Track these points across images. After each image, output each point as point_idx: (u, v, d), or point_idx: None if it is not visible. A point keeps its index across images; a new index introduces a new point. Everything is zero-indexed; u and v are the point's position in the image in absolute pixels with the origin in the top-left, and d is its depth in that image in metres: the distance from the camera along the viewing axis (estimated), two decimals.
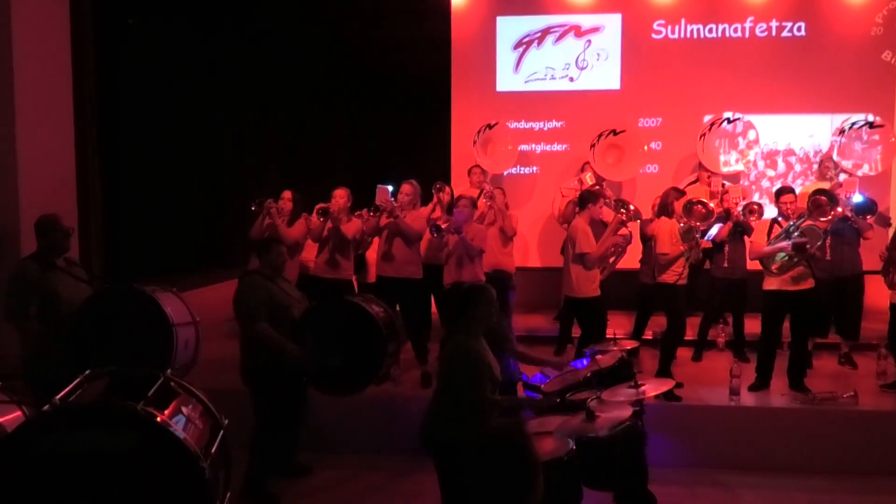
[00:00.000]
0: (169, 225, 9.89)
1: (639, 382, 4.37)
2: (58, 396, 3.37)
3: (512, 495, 2.17)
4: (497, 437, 2.26)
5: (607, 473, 4.01)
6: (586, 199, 6.41)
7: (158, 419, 3.25)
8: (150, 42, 9.43)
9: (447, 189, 7.35)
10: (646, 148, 8.44)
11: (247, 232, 6.87)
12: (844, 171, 7.76)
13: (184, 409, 3.58)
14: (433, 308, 7.23)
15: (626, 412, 4.11)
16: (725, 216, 6.82)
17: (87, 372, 3.72)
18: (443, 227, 6.47)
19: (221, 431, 3.72)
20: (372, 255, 7.52)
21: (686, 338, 6.94)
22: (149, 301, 4.63)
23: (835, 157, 7.83)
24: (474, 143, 8.34)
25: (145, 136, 9.45)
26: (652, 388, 4.43)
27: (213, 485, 3.31)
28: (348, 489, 5.31)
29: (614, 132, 8.22)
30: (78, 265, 4.98)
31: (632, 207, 6.76)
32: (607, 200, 6.97)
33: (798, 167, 8.61)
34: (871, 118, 7.97)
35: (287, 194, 6.89)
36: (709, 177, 7.76)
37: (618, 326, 7.41)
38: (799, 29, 8.58)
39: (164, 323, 4.59)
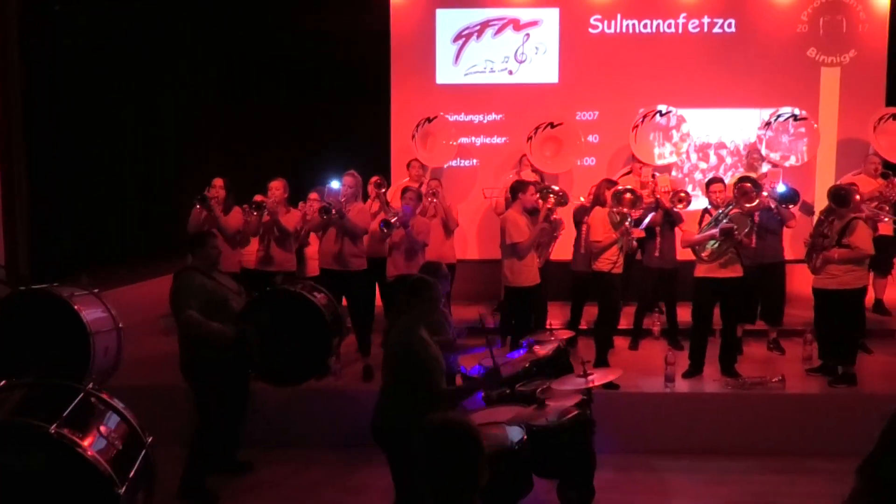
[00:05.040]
0: (101, 219, 9.60)
1: (588, 372, 4.43)
2: None
3: (458, 484, 2.19)
4: (444, 427, 2.27)
5: (556, 462, 4.06)
6: (516, 189, 6.52)
7: (69, 441, 3.14)
8: (79, 29, 9.10)
9: (385, 184, 7.34)
10: (583, 139, 8.56)
11: (182, 225, 6.72)
12: (770, 163, 8.04)
13: (102, 429, 3.45)
14: (377, 300, 7.21)
15: (573, 400, 4.18)
16: (655, 205, 7.02)
17: (3, 382, 3.56)
18: (392, 222, 6.47)
19: (144, 450, 3.62)
20: (310, 249, 7.45)
21: (622, 327, 7.11)
22: (64, 307, 4.49)
23: (762, 149, 8.11)
24: (413, 137, 8.33)
25: (74, 128, 9.12)
26: (600, 377, 4.51)
27: None
28: (291, 485, 5.26)
29: (552, 125, 8.32)
30: None
31: (555, 188, 6.84)
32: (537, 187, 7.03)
33: (729, 160, 8.87)
34: (796, 111, 8.27)
35: (218, 182, 6.72)
36: (640, 167, 7.93)
37: (553, 316, 7.54)
38: (729, 25, 8.82)
39: (81, 331, 4.46)
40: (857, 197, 6.13)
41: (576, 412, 4.05)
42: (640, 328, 7.49)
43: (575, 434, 4.06)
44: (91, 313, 4.60)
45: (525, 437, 3.75)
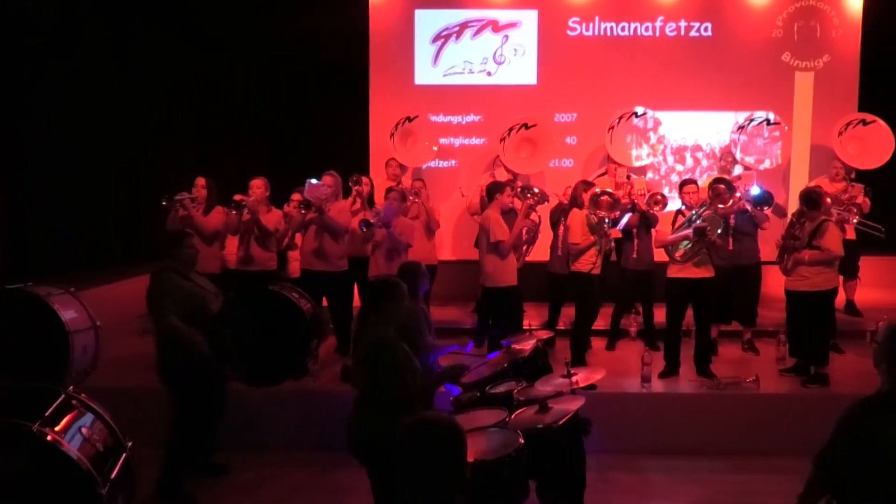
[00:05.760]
0: (79, 218, 9.47)
1: (571, 372, 4.43)
2: None
3: (442, 482, 2.18)
4: (426, 425, 2.27)
5: (551, 464, 3.96)
6: (493, 189, 6.55)
7: (52, 439, 3.12)
8: (53, 26, 8.98)
9: (365, 181, 7.34)
10: (556, 140, 8.60)
11: (160, 225, 6.67)
12: (742, 165, 8.16)
13: (83, 430, 3.44)
14: (356, 301, 7.20)
15: (576, 403, 4.10)
16: (632, 207, 7.09)
17: None
18: (372, 221, 6.47)
19: (124, 454, 3.60)
20: (294, 250, 7.44)
21: (599, 327, 7.16)
22: (42, 306, 4.44)
23: (735, 152, 8.22)
24: (391, 136, 8.33)
25: (51, 126, 9.00)
26: (584, 378, 4.50)
27: None
28: (268, 488, 5.24)
29: (526, 126, 8.36)
30: None
31: (536, 190, 6.91)
32: (515, 189, 7.07)
33: (705, 162, 8.97)
34: (769, 116, 8.39)
35: (201, 181, 6.73)
36: (615, 168, 8.00)
37: (529, 317, 7.58)
38: (706, 29, 8.92)
39: (60, 329, 4.42)
40: (829, 200, 6.23)
41: (572, 413, 4.02)
42: (617, 328, 7.55)
43: (571, 436, 4.01)
44: (68, 312, 4.56)
45: (522, 441, 3.67)
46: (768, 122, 8.39)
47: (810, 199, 6.16)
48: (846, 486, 2.84)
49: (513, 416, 4.07)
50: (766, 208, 7.15)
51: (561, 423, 3.90)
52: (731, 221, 6.86)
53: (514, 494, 3.63)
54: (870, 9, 8.84)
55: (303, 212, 6.44)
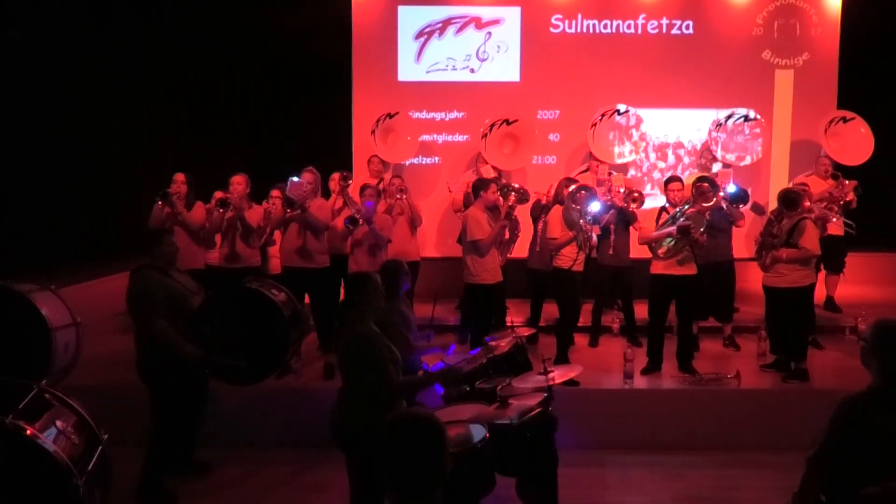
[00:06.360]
0: (55, 214, 9.37)
1: (549, 369, 4.45)
2: None
3: (422, 478, 2.19)
4: (408, 421, 2.29)
5: (519, 460, 4.06)
6: (478, 187, 6.55)
7: (27, 432, 3.10)
8: (29, 18, 8.87)
9: (350, 177, 7.32)
10: (538, 134, 8.60)
11: (139, 221, 6.62)
12: (720, 162, 8.20)
13: (57, 423, 3.41)
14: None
15: (536, 399, 4.19)
16: (609, 204, 7.11)
17: None
18: (358, 218, 6.46)
19: (100, 446, 3.57)
20: (273, 247, 7.39)
21: (581, 324, 7.17)
22: (24, 303, 4.40)
23: (715, 149, 8.27)
24: (373, 132, 8.31)
25: (26, 120, 8.89)
26: (560, 375, 4.53)
27: (87, 502, 3.17)
28: (250, 485, 5.21)
29: (507, 122, 8.35)
30: None
31: (516, 185, 6.91)
32: (498, 185, 7.06)
33: (687, 159, 9.01)
34: (748, 113, 8.45)
35: (180, 177, 6.70)
36: (598, 165, 8.02)
37: (511, 314, 7.56)
38: (687, 27, 8.97)
39: (42, 326, 4.37)
40: (807, 203, 6.27)
41: (538, 410, 4.06)
42: (599, 325, 7.57)
43: (537, 432, 4.06)
44: (50, 309, 4.52)
45: (488, 435, 3.75)
46: (747, 118, 8.45)
47: (788, 199, 6.20)
48: (841, 484, 2.84)
49: (477, 413, 4.12)
50: (741, 206, 7.20)
51: (526, 418, 3.95)
52: (707, 217, 6.89)
53: (478, 486, 3.69)
54: (849, 7, 8.93)
55: (287, 210, 6.41)
